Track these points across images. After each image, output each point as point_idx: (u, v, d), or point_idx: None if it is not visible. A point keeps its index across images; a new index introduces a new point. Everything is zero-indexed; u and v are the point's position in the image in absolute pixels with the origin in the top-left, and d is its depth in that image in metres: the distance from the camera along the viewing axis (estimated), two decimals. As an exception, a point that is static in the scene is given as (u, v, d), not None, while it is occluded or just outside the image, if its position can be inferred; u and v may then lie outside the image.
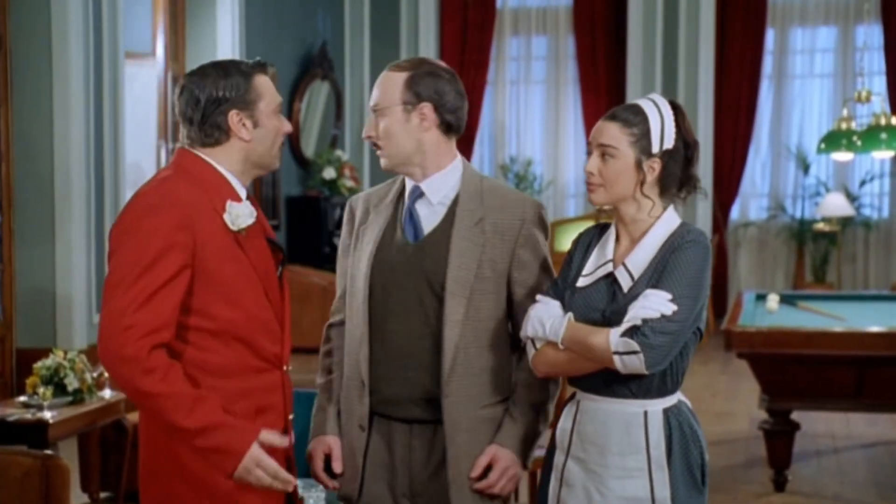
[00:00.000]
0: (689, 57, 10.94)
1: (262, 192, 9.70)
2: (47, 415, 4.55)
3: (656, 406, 2.59)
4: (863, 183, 11.02)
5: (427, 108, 2.77)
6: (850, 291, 9.95)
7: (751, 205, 11.44)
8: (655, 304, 2.50)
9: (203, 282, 2.45)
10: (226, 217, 2.50)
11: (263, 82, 2.57)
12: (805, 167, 11.07)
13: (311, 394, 3.81)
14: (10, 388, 7.05)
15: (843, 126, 6.72)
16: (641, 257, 2.61)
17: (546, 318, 2.61)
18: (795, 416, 5.72)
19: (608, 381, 2.60)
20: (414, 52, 11.44)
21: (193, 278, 2.45)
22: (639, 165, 2.60)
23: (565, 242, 10.83)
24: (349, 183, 10.57)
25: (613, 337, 2.51)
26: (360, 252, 2.84)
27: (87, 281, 7.36)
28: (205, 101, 2.52)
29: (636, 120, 2.61)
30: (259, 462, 2.42)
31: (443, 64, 2.86)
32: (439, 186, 2.83)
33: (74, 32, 7.21)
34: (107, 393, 4.91)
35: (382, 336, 2.79)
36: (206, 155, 2.55)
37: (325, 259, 10.11)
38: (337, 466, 2.86)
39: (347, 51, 11.38)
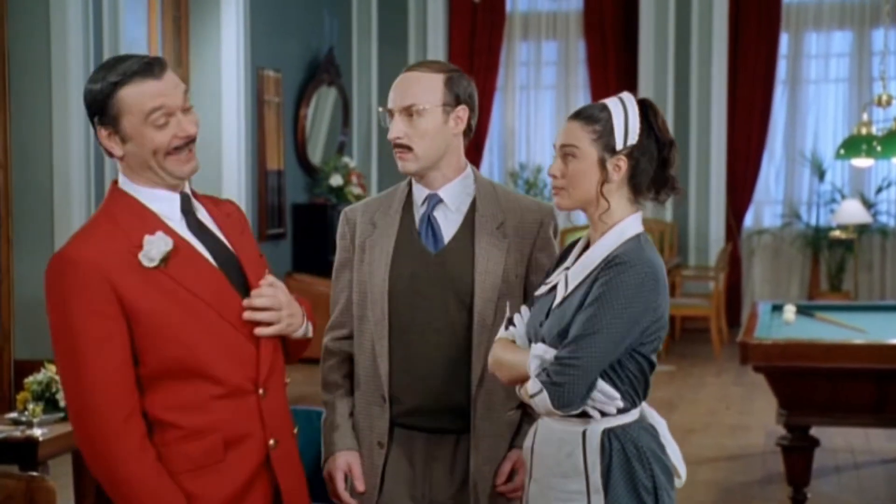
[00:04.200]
0: (702, 61, 10.77)
1: (267, 200, 9.56)
2: (37, 432, 4.37)
3: (596, 427, 2.46)
4: (879, 189, 10.83)
5: (463, 110, 2.75)
6: (870, 302, 9.76)
7: (765, 212, 11.26)
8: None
9: (139, 328, 2.29)
10: (140, 256, 2.31)
11: (132, 94, 2.30)
12: (820, 173, 10.89)
13: (318, 411, 3.65)
14: (8, 401, 6.91)
15: (863, 131, 6.54)
16: (581, 269, 2.49)
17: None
18: (814, 430, 5.55)
19: None
20: (422, 57, 11.29)
21: (130, 328, 2.30)
22: (602, 164, 2.46)
23: (576, 250, 10.72)
24: (356, 190, 10.41)
25: (531, 385, 2.45)
26: (373, 264, 2.77)
27: (86, 291, 7.22)
28: (87, 107, 2.35)
29: (599, 116, 2.49)
30: None
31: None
32: (457, 192, 2.79)
33: (74, 37, 7.08)
34: (101, 409, 4.74)
35: (406, 348, 2.75)
36: (122, 174, 2.38)
37: (332, 268, 9.94)
38: (360, 485, 2.80)
39: (355, 56, 11.24)
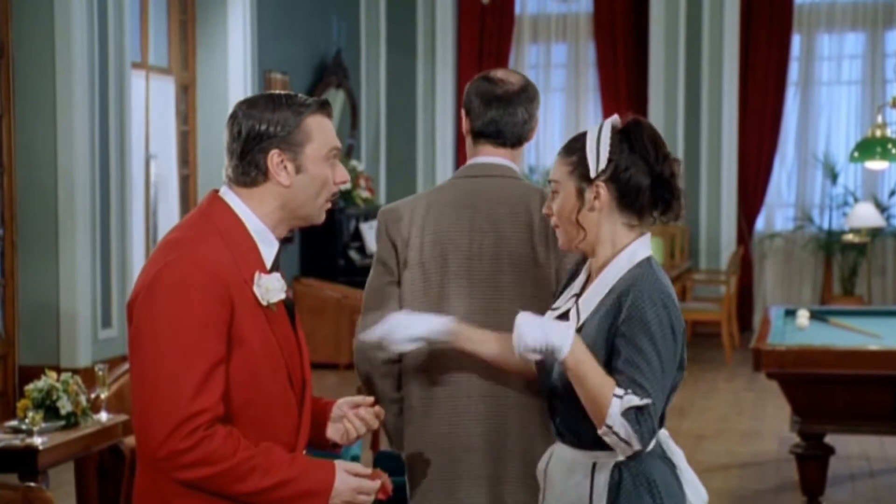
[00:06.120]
0: (713, 63, 10.68)
1: (274, 204, 9.48)
2: (37, 441, 4.30)
3: (608, 459, 2.37)
4: (893, 192, 10.72)
5: (463, 113, 2.94)
6: (884, 306, 9.65)
7: (776, 215, 11.15)
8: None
9: (233, 361, 2.21)
10: (256, 290, 2.24)
11: (318, 123, 2.29)
12: (833, 176, 10.78)
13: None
14: (13, 408, 6.84)
15: (878, 133, 6.43)
16: (592, 298, 2.40)
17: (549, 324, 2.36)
18: (828, 438, 5.45)
19: (564, 428, 2.40)
20: (431, 60, 11.22)
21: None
22: (580, 194, 2.39)
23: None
24: (365, 194, 10.34)
25: (615, 410, 2.27)
26: None
27: (91, 296, 7.15)
28: (246, 133, 2.25)
29: (575, 146, 2.42)
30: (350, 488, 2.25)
31: (497, 75, 2.92)
32: None
33: (78, 40, 7.02)
34: (103, 416, 4.67)
35: None
36: (241, 199, 2.29)
37: (340, 271, 9.88)
38: None
39: (363, 59, 11.16)
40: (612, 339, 2.33)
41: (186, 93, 8.88)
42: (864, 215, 10.12)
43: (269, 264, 2.30)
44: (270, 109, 2.26)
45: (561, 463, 2.43)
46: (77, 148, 7.02)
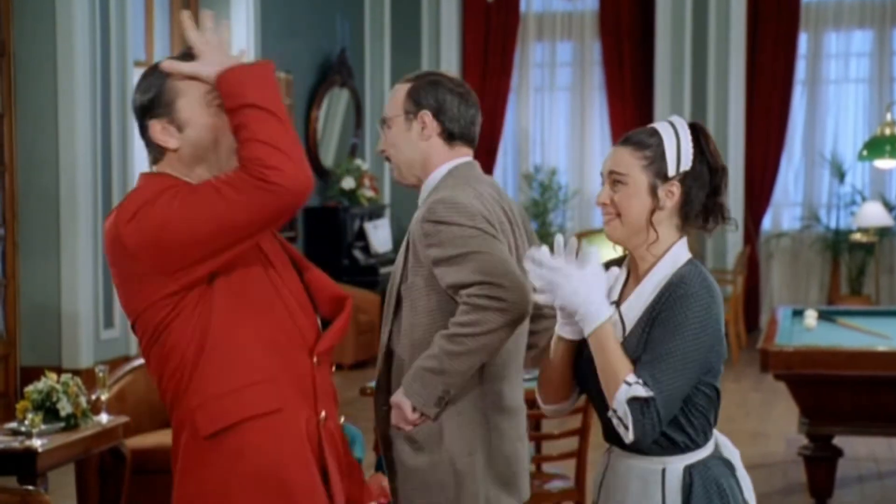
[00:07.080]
0: (720, 62, 10.62)
1: (278, 203, 9.43)
2: (37, 443, 4.26)
3: (676, 463, 2.34)
4: (901, 191, 10.66)
5: (426, 115, 2.77)
6: (892, 306, 9.59)
7: (783, 214, 11.09)
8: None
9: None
10: None
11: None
12: (840, 175, 10.71)
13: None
14: (14, 409, 6.81)
15: (886, 132, 6.38)
16: (637, 304, 2.35)
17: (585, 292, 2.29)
18: (837, 439, 5.40)
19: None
20: (435, 58, 11.17)
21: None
22: (653, 191, 2.34)
23: (591, 254, 10.57)
24: (369, 193, 10.29)
25: (621, 395, 2.25)
26: None
27: (93, 297, 7.12)
28: (136, 116, 2.26)
29: (650, 141, 2.35)
30: None
31: (452, 75, 2.87)
32: (423, 196, 2.84)
33: (80, 39, 6.99)
34: (103, 418, 4.62)
35: None
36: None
37: (344, 271, 9.83)
38: None
39: (367, 57, 11.12)
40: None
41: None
42: (872, 214, 10.05)
43: None
44: (142, 82, 2.25)
45: (626, 471, 2.38)
46: (79, 147, 6.99)
